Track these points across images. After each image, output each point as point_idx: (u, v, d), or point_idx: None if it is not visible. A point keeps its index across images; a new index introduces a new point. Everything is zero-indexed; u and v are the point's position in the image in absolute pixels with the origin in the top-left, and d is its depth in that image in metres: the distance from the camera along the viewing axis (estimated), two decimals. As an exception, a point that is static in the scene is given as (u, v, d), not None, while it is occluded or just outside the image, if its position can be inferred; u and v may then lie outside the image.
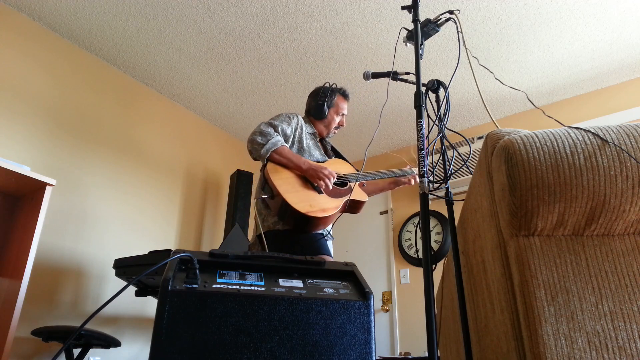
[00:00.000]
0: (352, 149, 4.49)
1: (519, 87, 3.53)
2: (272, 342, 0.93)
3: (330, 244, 2.16)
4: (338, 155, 2.38)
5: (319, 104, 2.28)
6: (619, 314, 0.85)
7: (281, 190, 1.90)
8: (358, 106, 3.83)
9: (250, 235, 2.22)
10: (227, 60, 3.33)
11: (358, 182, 2.20)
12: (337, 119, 2.33)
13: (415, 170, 2.43)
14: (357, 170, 2.29)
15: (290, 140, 2.14)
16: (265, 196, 1.99)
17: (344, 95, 2.36)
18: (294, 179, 1.99)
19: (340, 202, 2.02)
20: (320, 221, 1.93)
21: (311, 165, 2.00)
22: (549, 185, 0.90)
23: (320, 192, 1.99)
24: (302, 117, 2.30)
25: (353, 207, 2.14)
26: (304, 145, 2.18)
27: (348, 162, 2.35)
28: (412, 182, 2.41)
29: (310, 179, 2.00)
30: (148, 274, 1.69)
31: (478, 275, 1.18)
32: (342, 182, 2.14)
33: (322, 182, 1.97)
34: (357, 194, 2.15)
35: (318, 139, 2.33)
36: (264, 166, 2.04)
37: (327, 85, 2.31)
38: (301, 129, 2.21)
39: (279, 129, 2.08)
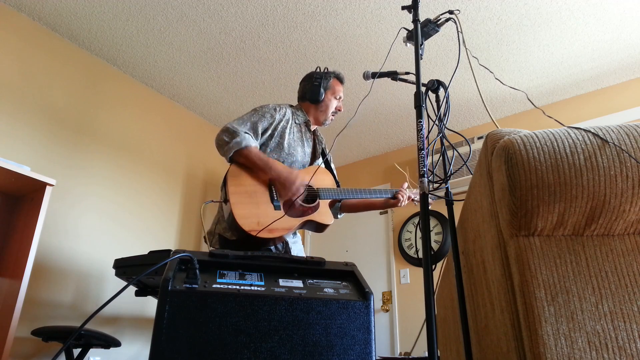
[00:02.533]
0: (352, 149, 4.49)
1: (519, 87, 3.53)
2: (272, 342, 0.93)
3: None
4: (324, 157, 2.21)
5: (315, 85, 2.12)
6: (619, 314, 0.85)
7: (232, 200, 1.77)
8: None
9: (210, 225, 2.06)
10: (227, 60, 3.33)
11: (329, 200, 2.01)
12: (334, 103, 2.17)
13: (415, 191, 2.21)
14: (337, 183, 2.11)
15: (268, 134, 1.98)
16: (218, 201, 1.88)
17: (339, 78, 2.21)
18: (253, 187, 1.84)
19: (296, 222, 1.84)
20: (264, 241, 1.78)
21: (280, 174, 1.84)
22: (549, 185, 0.90)
23: (278, 207, 1.83)
24: (294, 106, 2.17)
25: (315, 227, 1.95)
26: (285, 142, 2.01)
27: (332, 171, 2.17)
28: (403, 203, 2.14)
29: (276, 190, 1.86)
30: (148, 274, 1.69)
31: (478, 275, 1.18)
32: (312, 195, 1.95)
33: (286, 196, 1.82)
34: (322, 215, 1.94)
35: (311, 129, 2.16)
36: (229, 167, 1.91)
37: (319, 68, 2.18)
38: (286, 122, 2.03)
39: (252, 126, 1.93)
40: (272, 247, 1.90)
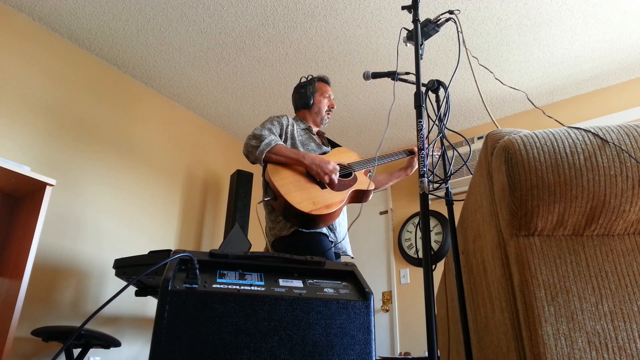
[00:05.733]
0: (352, 149, 4.49)
1: (519, 87, 3.53)
2: (272, 342, 0.93)
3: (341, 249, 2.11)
4: (336, 146, 2.33)
5: (302, 92, 2.30)
6: (619, 314, 0.85)
7: (282, 192, 1.88)
8: (358, 106, 3.83)
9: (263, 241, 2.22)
10: (227, 60, 3.33)
11: (363, 170, 2.16)
12: (325, 101, 2.32)
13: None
14: (361, 158, 2.26)
15: (282, 139, 2.13)
16: (268, 198, 1.97)
17: (323, 79, 2.37)
18: (295, 176, 1.96)
19: (345, 194, 1.99)
20: (325, 218, 1.90)
21: (313, 160, 1.97)
22: (549, 185, 0.89)
23: (323, 186, 1.96)
24: (293, 118, 2.31)
25: (360, 197, 2.10)
26: (297, 141, 2.16)
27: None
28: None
29: (313, 174, 1.97)
30: (148, 274, 1.69)
31: (478, 275, 1.18)
32: (347, 172, 2.10)
33: (326, 177, 1.94)
34: (363, 182, 2.11)
35: (314, 132, 2.30)
36: (264, 169, 2.01)
37: (303, 78, 2.36)
38: (292, 127, 2.19)
39: (270, 130, 2.08)
40: (326, 229, 2.02)
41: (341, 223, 2.14)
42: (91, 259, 2.94)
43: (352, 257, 2.16)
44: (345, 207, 2.12)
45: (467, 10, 2.80)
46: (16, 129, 2.73)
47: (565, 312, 0.86)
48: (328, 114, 2.35)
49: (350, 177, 2.08)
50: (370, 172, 2.30)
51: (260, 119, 4.01)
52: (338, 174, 1.99)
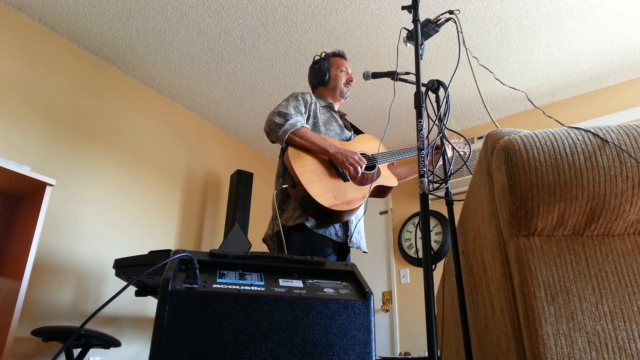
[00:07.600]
0: (352, 149, 4.49)
1: (519, 87, 3.53)
2: (272, 342, 0.93)
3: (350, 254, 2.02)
4: (357, 131, 2.25)
5: (317, 68, 2.21)
6: (619, 314, 0.85)
7: (303, 180, 1.76)
8: (358, 106, 3.83)
9: (265, 228, 2.07)
10: (227, 60, 3.33)
11: (387, 163, 2.05)
12: (343, 75, 2.22)
13: (454, 140, 2.16)
14: (386, 149, 2.15)
15: (305, 117, 2.02)
16: (286, 185, 1.84)
17: (337, 54, 2.28)
18: (317, 164, 1.86)
19: (367, 190, 1.89)
20: (345, 214, 1.82)
21: (339, 149, 1.86)
22: (549, 185, 0.89)
23: (346, 179, 1.86)
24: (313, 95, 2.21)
25: (381, 192, 2.01)
26: (319, 120, 2.05)
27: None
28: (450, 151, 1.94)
29: (338, 165, 1.86)
30: (148, 274, 1.69)
31: (478, 275, 1.18)
32: (370, 164, 1.98)
33: (352, 168, 1.82)
34: (387, 178, 2.01)
35: (336, 109, 2.21)
36: (284, 151, 1.90)
37: (317, 56, 2.27)
38: (315, 105, 2.09)
39: (295, 110, 1.95)
40: (334, 229, 1.90)
41: (357, 215, 2.03)
42: (91, 259, 2.94)
43: (365, 252, 2.08)
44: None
45: (467, 10, 2.80)
46: (16, 129, 2.73)
47: (565, 312, 0.86)
48: (347, 87, 2.23)
49: (374, 170, 1.97)
50: (393, 164, 2.21)
51: (261, 119, 4.00)
52: (364, 167, 1.87)
